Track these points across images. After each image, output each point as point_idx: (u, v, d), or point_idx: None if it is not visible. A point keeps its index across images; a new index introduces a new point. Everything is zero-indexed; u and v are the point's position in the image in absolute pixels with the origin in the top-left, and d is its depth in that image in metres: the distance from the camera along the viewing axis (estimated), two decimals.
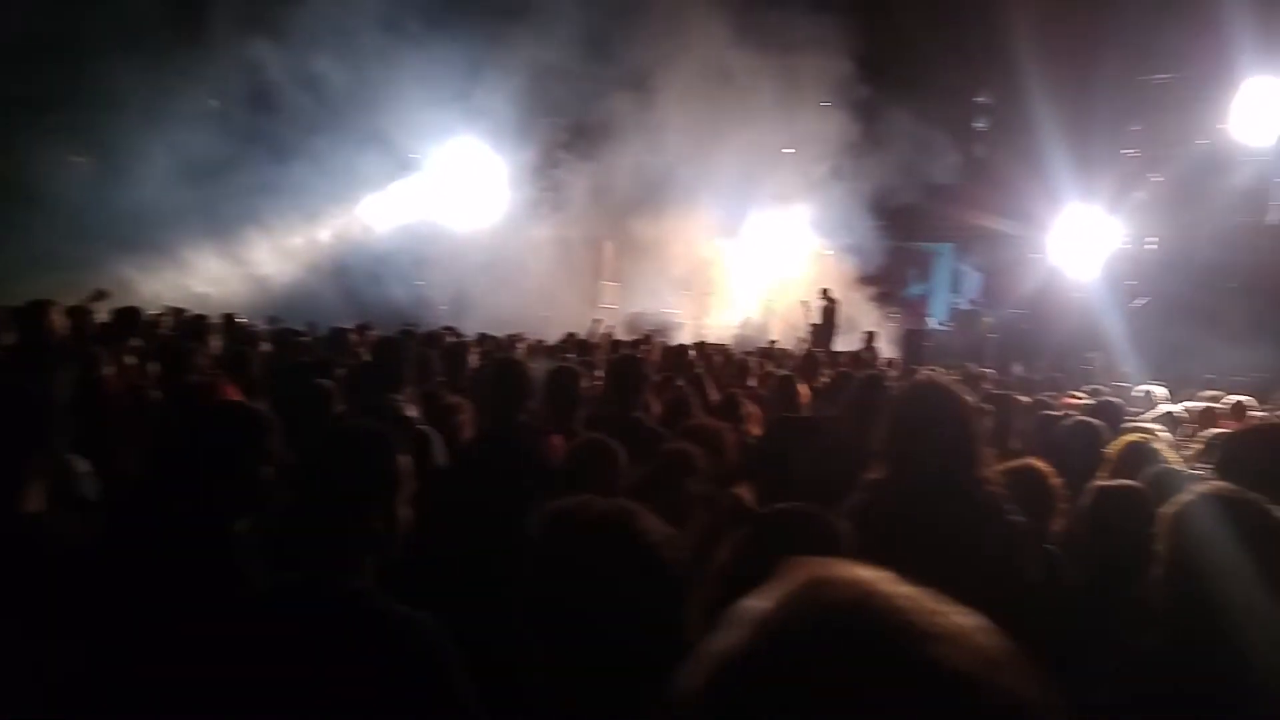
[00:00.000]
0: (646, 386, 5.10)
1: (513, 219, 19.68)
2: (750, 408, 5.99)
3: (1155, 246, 17.70)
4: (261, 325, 10.84)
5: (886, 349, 17.99)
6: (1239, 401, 7.43)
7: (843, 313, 19.26)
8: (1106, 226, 17.92)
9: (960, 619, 0.75)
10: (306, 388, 4.11)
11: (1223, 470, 3.12)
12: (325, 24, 16.35)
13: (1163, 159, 17.38)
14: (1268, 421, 5.24)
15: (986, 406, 5.83)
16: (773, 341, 15.94)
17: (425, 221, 19.44)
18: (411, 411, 4.09)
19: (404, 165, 19.22)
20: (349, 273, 17.43)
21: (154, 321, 9.51)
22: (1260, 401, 8.26)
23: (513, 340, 11.57)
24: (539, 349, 10.37)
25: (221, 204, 16.44)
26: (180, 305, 11.75)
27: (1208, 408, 6.71)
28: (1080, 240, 18.29)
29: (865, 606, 0.73)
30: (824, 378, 7.95)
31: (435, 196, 19.63)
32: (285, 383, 4.64)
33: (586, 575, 1.55)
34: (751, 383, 8.08)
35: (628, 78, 18.06)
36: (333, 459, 1.91)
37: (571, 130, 19.81)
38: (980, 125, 23.57)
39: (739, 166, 19.90)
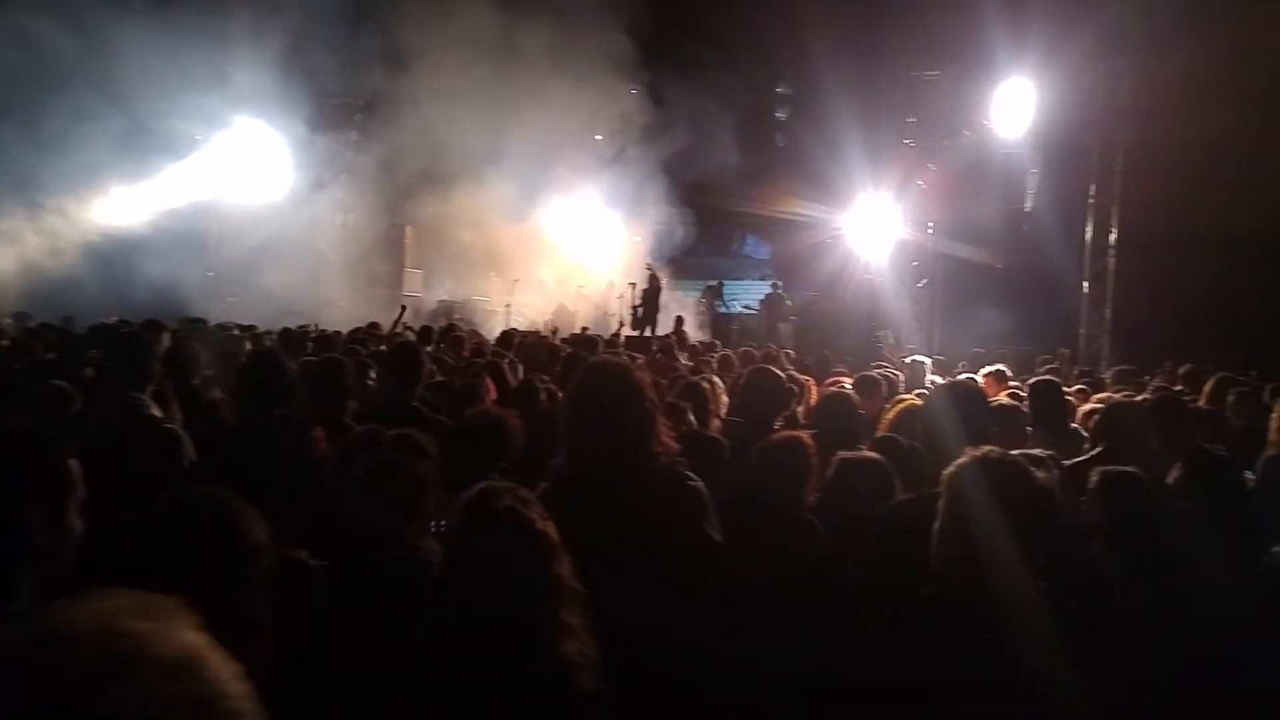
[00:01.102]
0: (425, 374, 4.99)
1: (306, 205, 18.79)
2: (548, 393, 6.00)
3: (932, 232, 18.90)
4: (6, 321, 9.86)
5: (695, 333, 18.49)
6: (999, 369, 8.03)
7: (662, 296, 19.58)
8: (893, 213, 18.97)
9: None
10: (42, 389, 3.76)
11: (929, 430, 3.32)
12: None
13: (936, 150, 18.55)
14: (957, 381, 5.66)
15: (793, 387, 6.13)
16: (585, 328, 15.98)
17: (208, 209, 18.29)
18: (156, 410, 3.81)
19: (175, 149, 17.89)
20: (117, 263, 15.99)
21: None
22: (1018, 372, 8.98)
23: (305, 333, 11.06)
24: (331, 340, 9.95)
25: None
26: None
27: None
28: (871, 226, 19.27)
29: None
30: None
31: (218, 181, 18.46)
32: (20, 384, 4.24)
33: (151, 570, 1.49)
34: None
35: (414, 55, 17.53)
36: None
37: (364, 112, 19.14)
38: (781, 115, 24.47)
39: (540, 149, 19.81)
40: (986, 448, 2.54)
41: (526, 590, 2.04)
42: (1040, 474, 2.56)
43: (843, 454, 3.62)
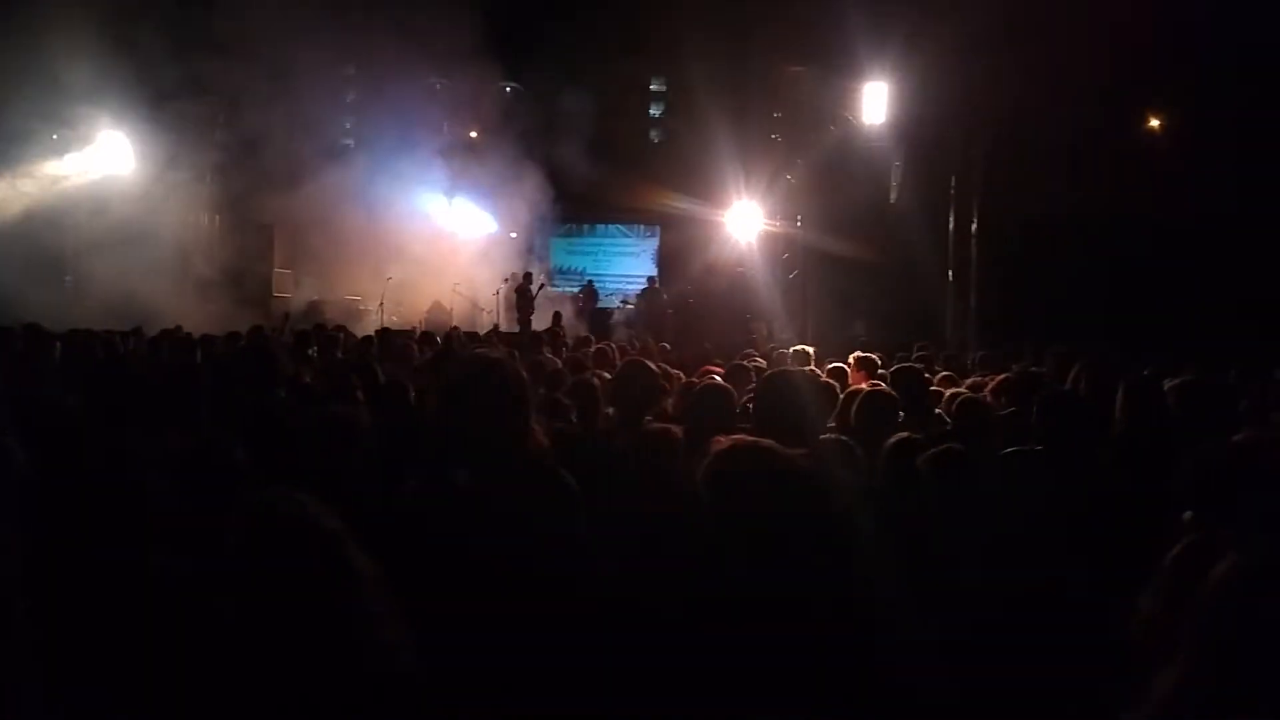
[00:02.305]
0: (282, 377, 4.82)
1: (167, 205, 17.90)
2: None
3: (800, 225, 19.35)
4: None
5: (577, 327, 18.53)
6: (868, 357, 8.20)
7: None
8: (763, 206, 19.32)
9: None
10: None
11: (760, 416, 3.36)
12: None
13: (803, 144, 18.97)
14: (781, 371, 5.71)
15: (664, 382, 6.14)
16: (455, 327, 15.74)
17: (60, 214, 17.27)
18: None
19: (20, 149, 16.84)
20: None
21: None
22: (887, 361, 9.23)
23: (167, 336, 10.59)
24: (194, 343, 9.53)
25: None
26: None
27: None
28: (743, 219, 19.58)
29: None
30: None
31: (70, 184, 17.44)
32: None
33: None
34: None
35: (276, 51, 16.89)
36: None
37: (227, 110, 18.37)
38: (655, 111, 24.67)
39: (409, 145, 19.51)
40: (734, 436, 2.57)
41: (313, 586, 2.02)
42: (796, 453, 2.53)
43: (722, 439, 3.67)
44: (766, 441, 2.51)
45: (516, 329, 17.62)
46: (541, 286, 19.77)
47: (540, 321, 18.17)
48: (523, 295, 19.40)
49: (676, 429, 3.87)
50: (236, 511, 2.12)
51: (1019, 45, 14.31)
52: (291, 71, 17.14)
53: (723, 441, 2.51)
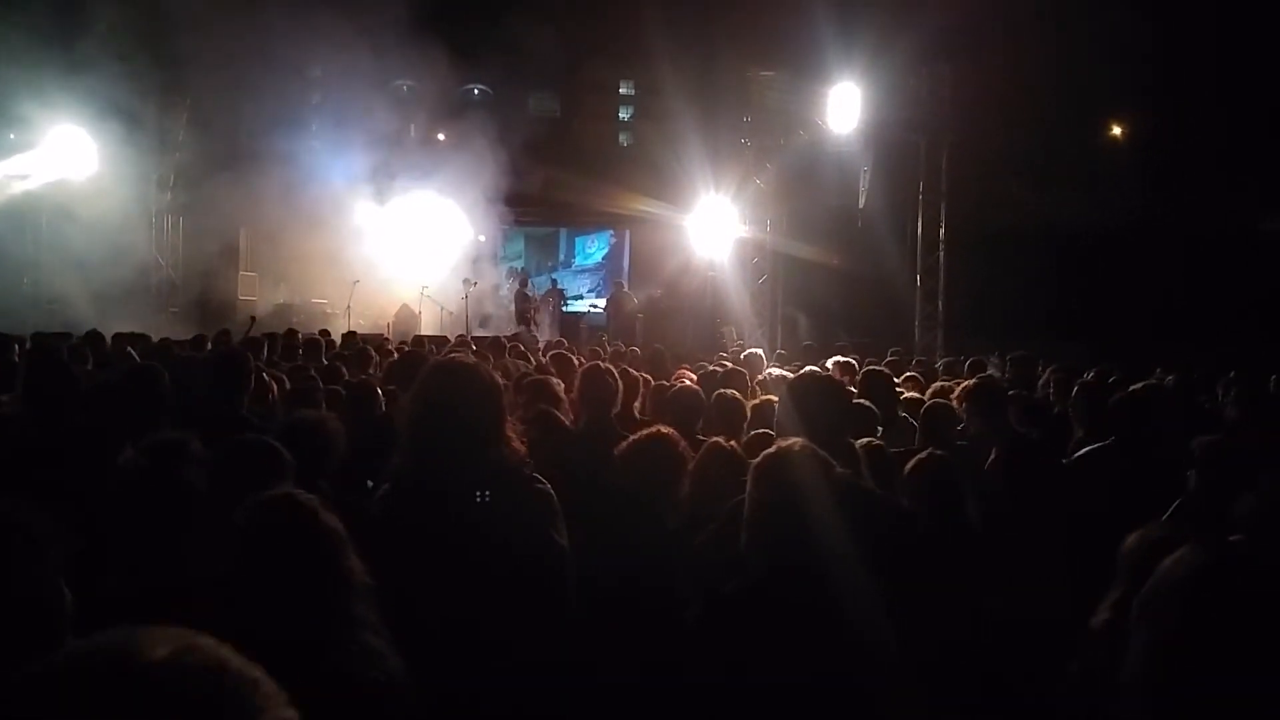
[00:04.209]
0: (252, 382, 4.76)
1: (133, 208, 17.60)
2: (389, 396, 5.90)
3: (770, 230, 19.43)
4: None
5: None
6: (848, 361, 8.27)
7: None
8: (733, 211, 19.38)
9: None
10: None
11: (785, 414, 3.36)
12: None
13: (772, 149, 19.05)
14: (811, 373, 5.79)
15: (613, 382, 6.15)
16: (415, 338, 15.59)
17: (22, 216, 16.95)
18: None
19: None
20: None
21: None
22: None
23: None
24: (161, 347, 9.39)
25: None
26: None
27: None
28: (714, 224, 19.62)
29: None
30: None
31: (33, 186, 17.11)
32: None
33: None
34: None
35: (238, 52, 16.66)
36: None
37: (191, 110, 18.11)
38: (624, 115, 24.67)
39: (376, 146, 19.36)
40: (791, 440, 2.63)
41: (315, 586, 2.04)
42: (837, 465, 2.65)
43: (714, 441, 3.75)
44: (812, 446, 2.60)
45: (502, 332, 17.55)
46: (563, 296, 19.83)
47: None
48: (521, 298, 19.49)
49: (672, 431, 3.78)
50: (250, 502, 2.15)
51: (983, 53, 14.49)
52: (256, 73, 16.93)
53: (781, 443, 2.60)
